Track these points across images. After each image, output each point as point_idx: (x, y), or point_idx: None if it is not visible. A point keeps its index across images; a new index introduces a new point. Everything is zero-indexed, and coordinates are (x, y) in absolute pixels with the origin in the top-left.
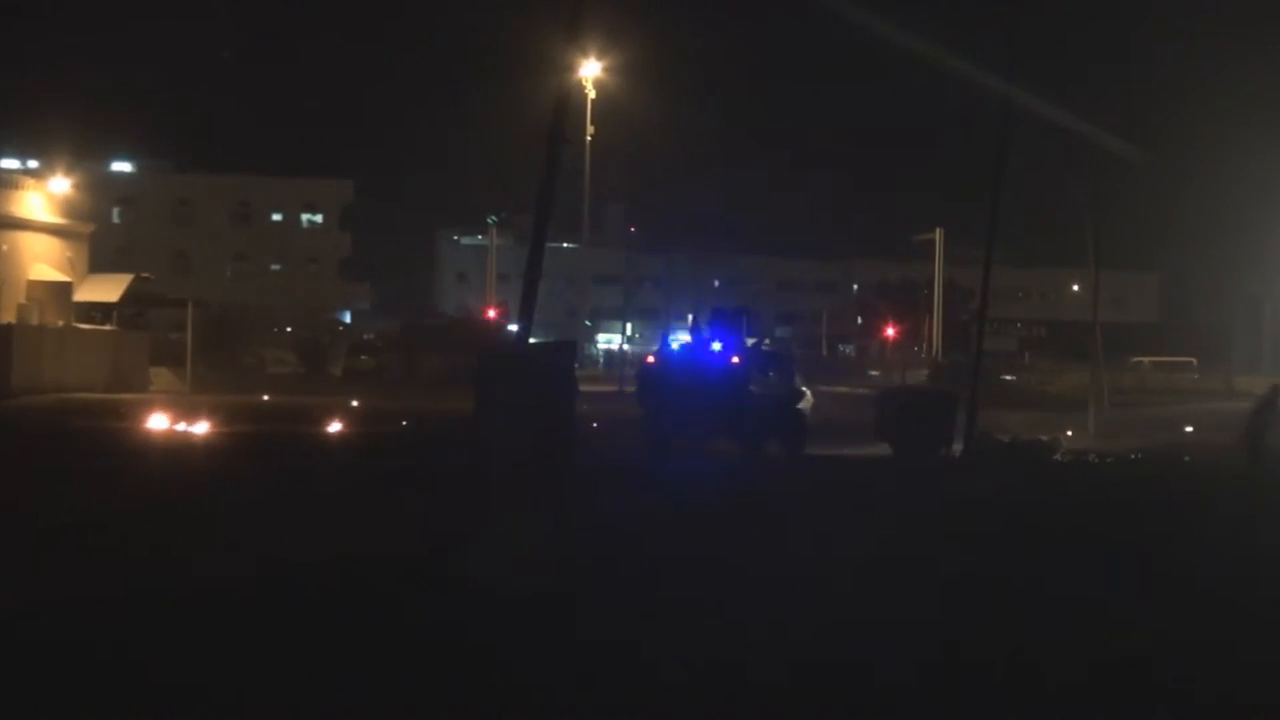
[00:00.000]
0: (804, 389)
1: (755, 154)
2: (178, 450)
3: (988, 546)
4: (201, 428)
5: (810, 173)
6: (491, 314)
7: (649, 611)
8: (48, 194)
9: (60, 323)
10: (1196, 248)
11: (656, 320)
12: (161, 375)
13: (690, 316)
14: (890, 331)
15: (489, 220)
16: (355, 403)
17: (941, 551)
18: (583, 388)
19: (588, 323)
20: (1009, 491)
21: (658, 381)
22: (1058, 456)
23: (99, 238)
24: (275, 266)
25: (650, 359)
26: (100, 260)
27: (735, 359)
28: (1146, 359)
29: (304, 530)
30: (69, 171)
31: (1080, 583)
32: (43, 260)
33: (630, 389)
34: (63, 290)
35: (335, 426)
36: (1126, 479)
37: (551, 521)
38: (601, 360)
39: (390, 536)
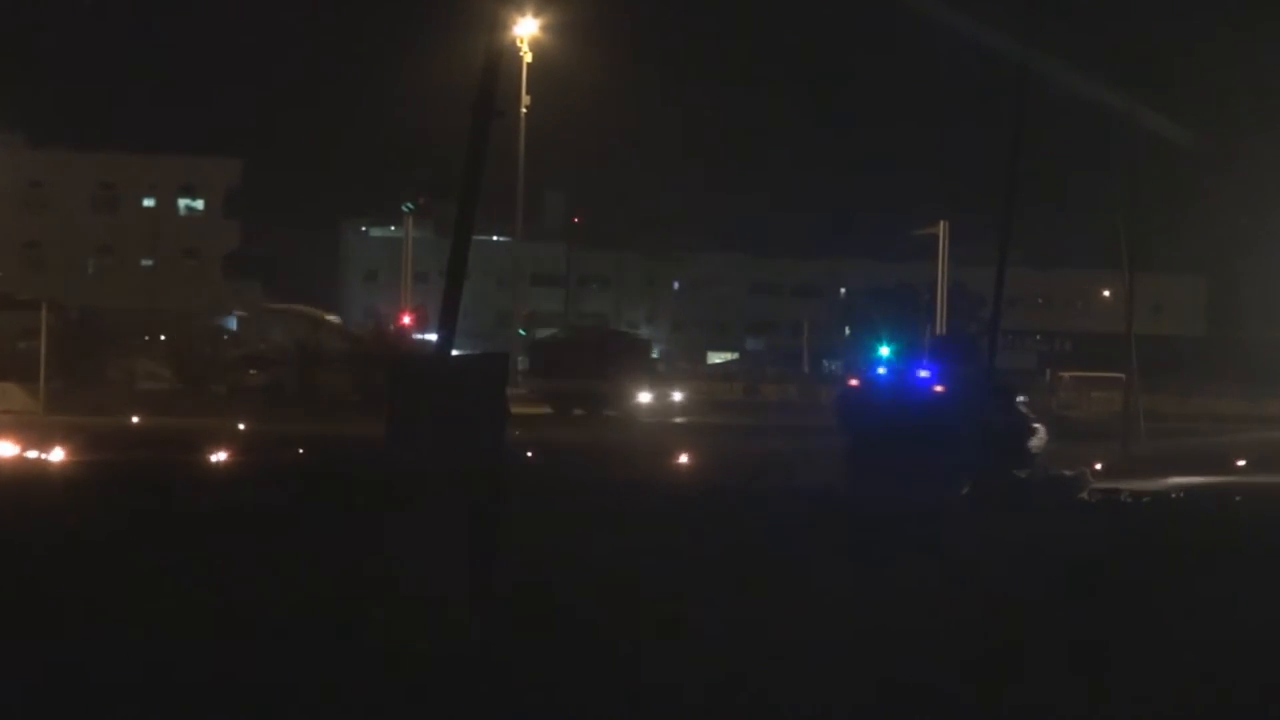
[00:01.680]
0: (1036, 424)
1: (724, 133)
2: (26, 482)
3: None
4: (56, 455)
5: (790, 155)
6: (406, 320)
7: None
8: None
9: None
10: (1249, 250)
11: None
12: (9, 392)
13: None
14: (884, 347)
15: (404, 208)
16: (242, 426)
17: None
18: (515, 409)
19: (522, 331)
20: (1030, 539)
21: (861, 408)
22: (1084, 495)
23: None
24: (146, 262)
25: (853, 382)
26: None
27: (939, 387)
28: (1068, 374)
29: (177, 576)
30: None
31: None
32: None
33: None
34: None
35: (218, 454)
36: (1165, 523)
37: (473, 571)
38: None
39: (282, 588)
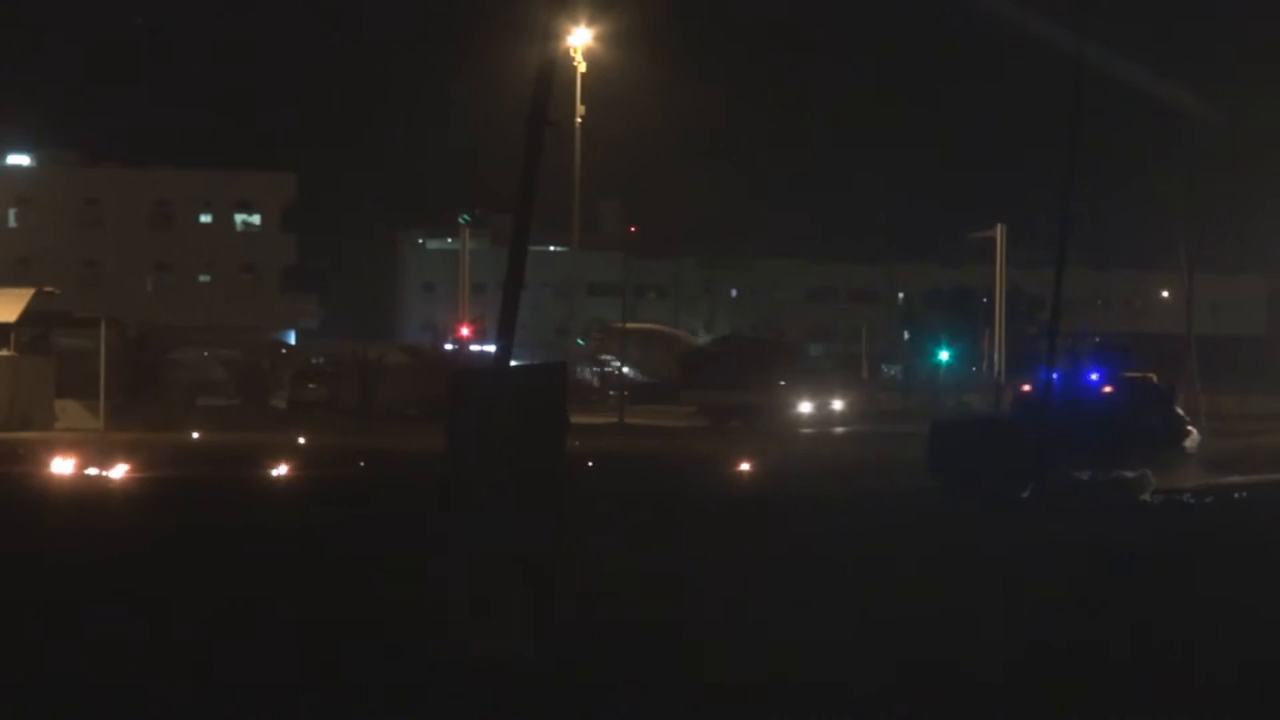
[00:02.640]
0: (1190, 426)
1: (779, 139)
2: (87, 500)
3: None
4: (118, 472)
5: (846, 161)
6: (465, 331)
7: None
8: None
9: None
10: None
11: None
12: (70, 409)
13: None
14: (944, 351)
15: (461, 220)
16: (302, 440)
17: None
18: (575, 419)
19: (581, 341)
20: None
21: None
22: (1145, 497)
23: None
24: (204, 278)
25: (1026, 388)
26: None
27: (1108, 388)
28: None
29: (245, 587)
30: None
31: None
32: None
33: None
34: None
35: (279, 469)
36: (1231, 525)
37: (535, 582)
38: (596, 384)
39: (343, 601)
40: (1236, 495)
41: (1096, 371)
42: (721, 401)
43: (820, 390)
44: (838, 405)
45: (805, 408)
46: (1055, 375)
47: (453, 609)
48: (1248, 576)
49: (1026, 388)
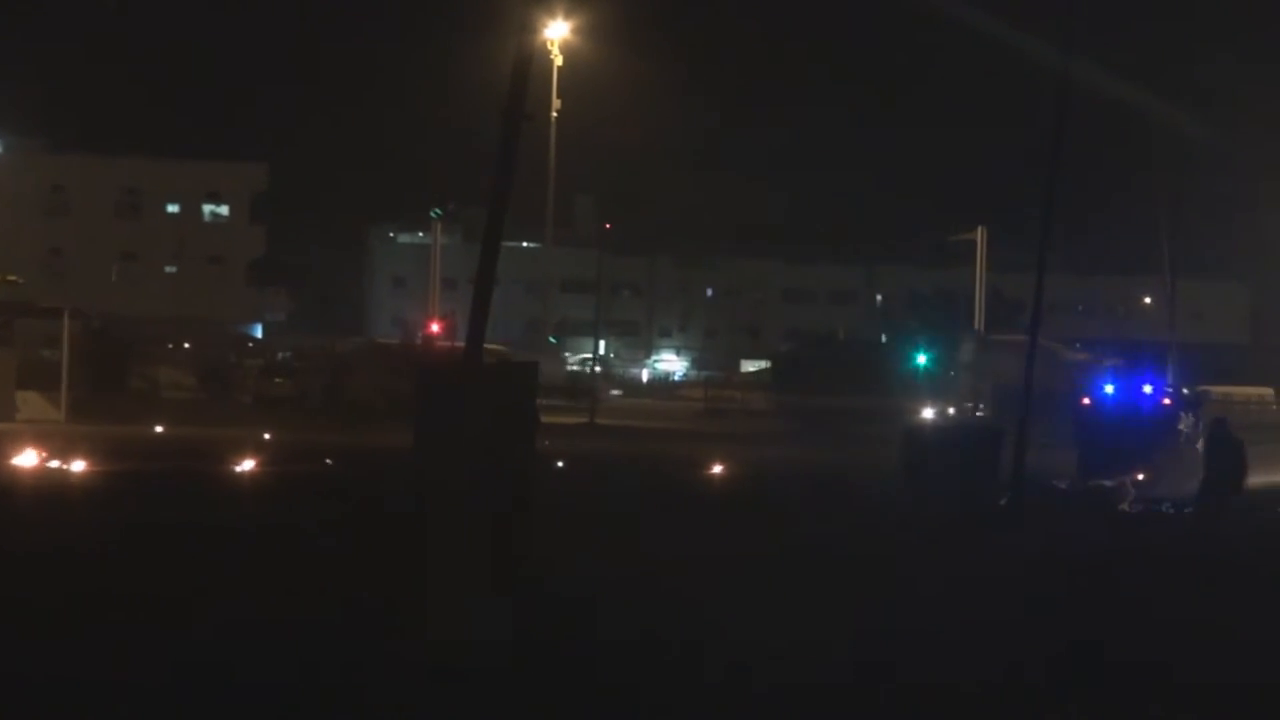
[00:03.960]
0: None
1: (758, 136)
2: (47, 492)
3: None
4: (78, 465)
5: (824, 159)
6: (435, 328)
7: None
8: None
9: None
10: None
11: (637, 335)
12: (31, 401)
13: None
14: (921, 355)
15: (433, 214)
16: (268, 435)
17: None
18: (544, 419)
19: (552, 339)
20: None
21: (1091, 422)
22: (1124, 506)
23: None
24: (170, 268)
25: (1086, 401)
26: None
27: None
28: None
29: (208, 588)
30: None
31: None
32: None
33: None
34: None
35: (244, 464)
36: (1208, 536)
37: (506, 583)
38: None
39: (309, 603)
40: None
41: (1150, 383)
42: (816, 406)
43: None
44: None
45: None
46: (1112, 388)
47: (420, 609)
48: (1197, 591)
49: (1086, 401)
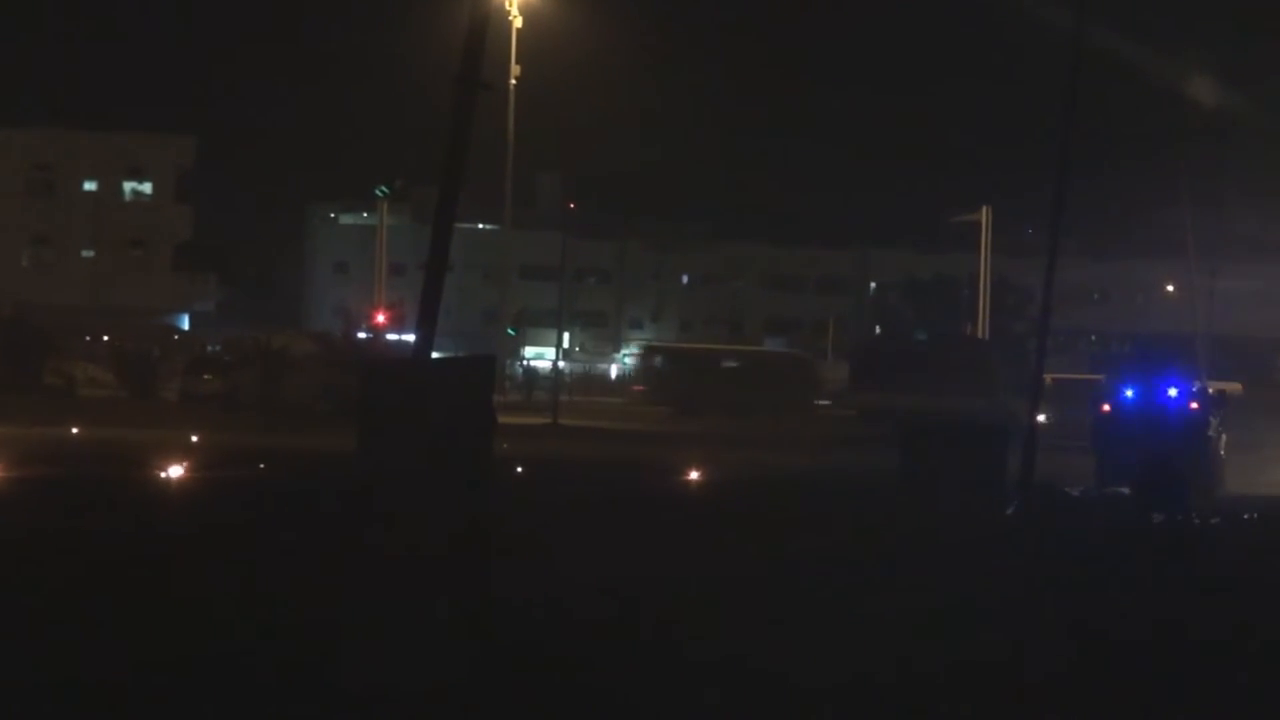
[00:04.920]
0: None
1: (740, 108)
2: None
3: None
4: None
5: (814, 134)
6: (381, 318)
7: None
8: None
9: None
10: None
11: (605, 327)
12: None
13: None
14: None
15: (379, 192)
16: (195, 437)
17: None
18: (502, 418)
19: (511, 330)
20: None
21: (1111, 426)
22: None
23: None
24: (87, 253)
25: (1106, 408)
26: None
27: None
28: None
29: (124, 617)
30: None
31: None
32: None
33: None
34: None
35: (170, 470)
36: (1237, 552)
37: (459, 601)
38: (522, 379)
39: (242, 626)
40: (1246, 517)
41: (1175, 385)
42: (897, 407)
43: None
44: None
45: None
46: (1132, 388)
47: (365, 631)
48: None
49: (1106, 408)
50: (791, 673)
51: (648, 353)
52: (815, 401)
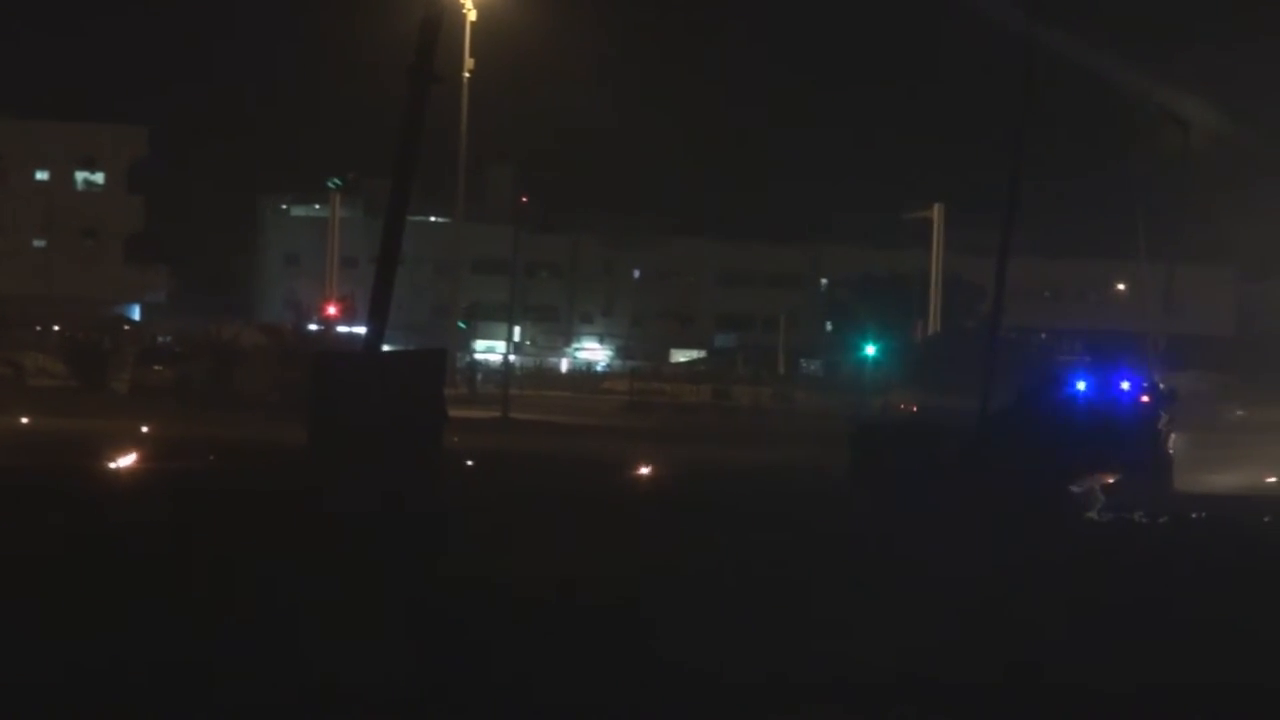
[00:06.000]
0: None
1: (694, 102)
2: None
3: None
4: None
5: (767, 128)
6: (332, 310)
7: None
8: None
9: None
10: None
11: (557, 321)
12: None
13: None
14: (870, 346)
15: (331, 184)
16: (145, 428)
17: None
18: (452, 412)
19: (462, 324)
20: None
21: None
22: (1093, 515)
23: None
24: (38, 243)
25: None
26: None
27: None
28: None
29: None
30: None
31: None
32: None
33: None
34: None
35: (119, 461)
36: (1182, 551)
37: (409, 595)
38: (479, 375)
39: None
40: (1194, 515)
41: (1128, 380)
42: None
43: None
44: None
45: None
46: (1086, 384)
47: (313, 626)
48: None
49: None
50: (726, 668)
51: None
52: None
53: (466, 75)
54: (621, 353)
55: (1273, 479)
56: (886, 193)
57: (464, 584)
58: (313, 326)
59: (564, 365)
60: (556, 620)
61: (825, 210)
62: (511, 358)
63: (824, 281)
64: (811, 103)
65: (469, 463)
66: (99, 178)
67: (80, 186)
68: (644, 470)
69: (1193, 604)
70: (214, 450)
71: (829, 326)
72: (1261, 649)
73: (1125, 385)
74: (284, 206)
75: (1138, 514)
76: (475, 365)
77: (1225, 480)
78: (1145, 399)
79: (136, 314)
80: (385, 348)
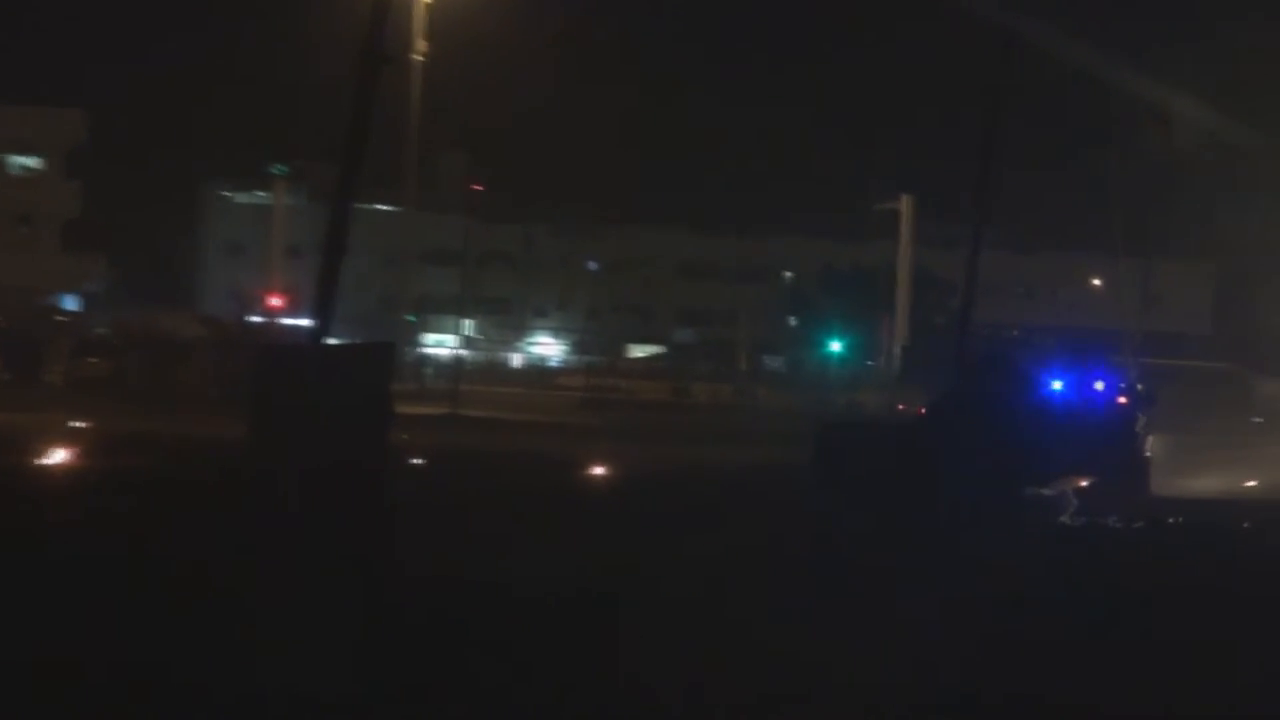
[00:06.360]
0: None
1: (655, 87)
2: None
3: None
4: None
5: (730, 115)
6: (275, 301)
7: None
8: None
9: None
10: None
11: (510, 315)
12: None
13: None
14: (835, 342)
15: (275, 170)
16: (80, 423)
17: None
18: (400, 408)
19: (411, 317)
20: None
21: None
22: (1065, 519)
23: None
24: None
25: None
26: None
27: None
28: None
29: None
30: None
31: None
32: None
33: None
34: None
35: (53, 456)
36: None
37: (355, 601)
38: (429, 370)
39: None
40: (1170, 520)
41: (1102, 380)
42: None
43: None
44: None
45: None
46: (1060, 383)
47: (254, 634)
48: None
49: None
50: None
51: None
52: (1249, 419)
53: (419, 58)
54: (577, 347)
55: (1252, 483)
56: (853, 184)
57: (411, 585)
58: (255, 318)
59: (517, 360)
60: (500, 623)
61: (790, 202)
62: (462, 352)
63: (788, 275)
64: (778, 92)
65: (416, 461)
66: (36, 163)
67: (15, 171)
68: (598, 470)
69: (1168, 615)
70: (150, 446)
71: (793, 322)
72: (1242, 668)
73: (1100, 385)
74: (227, 193)
75: (1112, 518)
76: (425, 360)
77: (1204, 484)
78: (1123, 400)
79: (73, 304)
80: (331, 341)
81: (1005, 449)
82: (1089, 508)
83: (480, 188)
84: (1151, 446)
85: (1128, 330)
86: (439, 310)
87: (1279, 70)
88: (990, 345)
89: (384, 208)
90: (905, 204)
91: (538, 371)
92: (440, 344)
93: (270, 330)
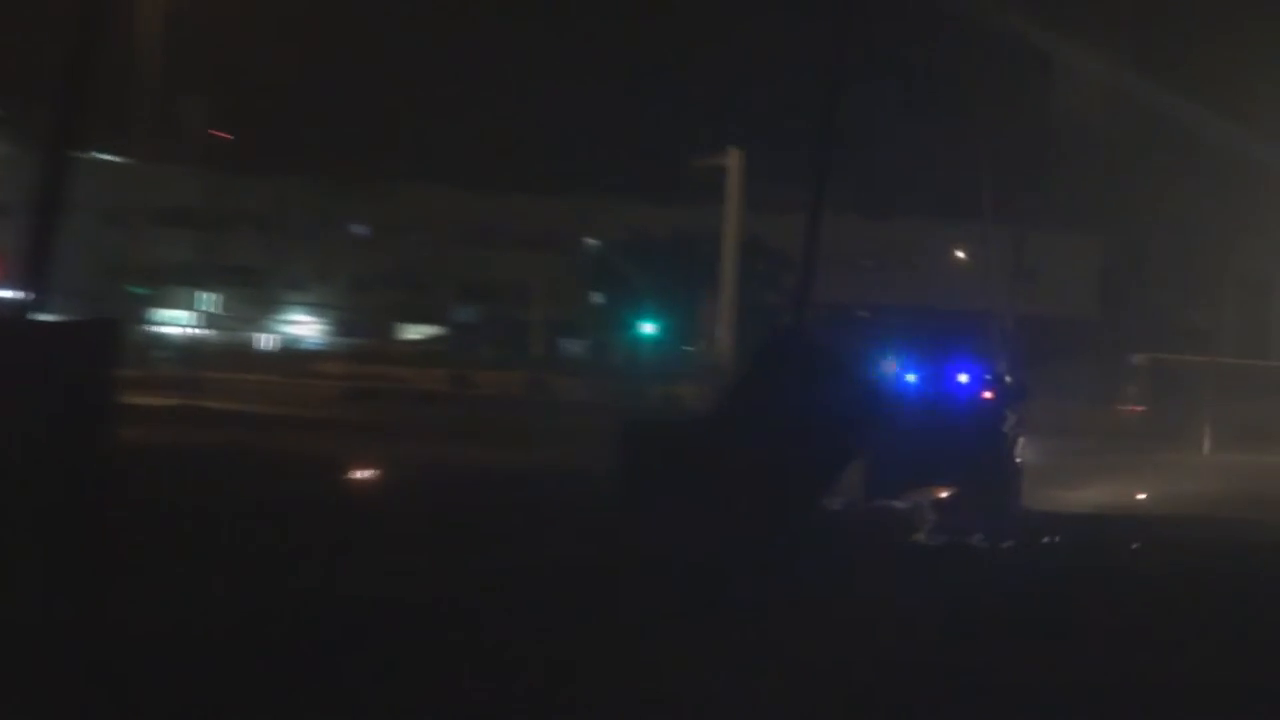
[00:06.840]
0: None
1: (435, 21)
2: None
3: None
4: None
5: (527, 55)
6: None
7: None
8: None
9: None
10: (1166, 207)
11: (259, 287)
12: None
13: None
14: (649, 325)
15: None
16: None
17: None
18: (126, 398)
19: (138, 289)
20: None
21: None
22: (920, 536)
23: None
24: None
25: None
26: None
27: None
28: None
29: None
30: None
31: None
32: None
33: None
34: None
35: None
36: (1023, 593)
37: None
38: (164, 352)
39: None
40: (1045, 540)
41: (966, 371)
42: None
43: None
44: None
45: None
46: (914, 377)
47: None
48: None
49: None
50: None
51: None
52: None
53: None
54: (340, 328)
55: (1142, 496)
56: (672, 136)
57: (129, 601)
58: None
59: (268, 341)
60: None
61: (596, 157)
62: (202, 331)
63: (592, 242)
64: (586, 34)
65: (145, 461)
66: None
67: None
68: (358, 474)
69: (1040, 656)
70: None
71: (597, 298)
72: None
73: (964, 378)
74: None
75: (976, 536)
76: (157, 340)
77: (1087, 495)
78: (987, 395)
79: None
80: (41, 317)
81: (788, 456)
82: (949, 524)
83: (226, 136)
84: (1023, 450)
85: (998, 311)
86: (174, 281)
87: (1185, 26)
88: (787, 327)
89: (109, 158)
90: (733, 158)
91: (293, 356)
92: (175, 322)
93: None
